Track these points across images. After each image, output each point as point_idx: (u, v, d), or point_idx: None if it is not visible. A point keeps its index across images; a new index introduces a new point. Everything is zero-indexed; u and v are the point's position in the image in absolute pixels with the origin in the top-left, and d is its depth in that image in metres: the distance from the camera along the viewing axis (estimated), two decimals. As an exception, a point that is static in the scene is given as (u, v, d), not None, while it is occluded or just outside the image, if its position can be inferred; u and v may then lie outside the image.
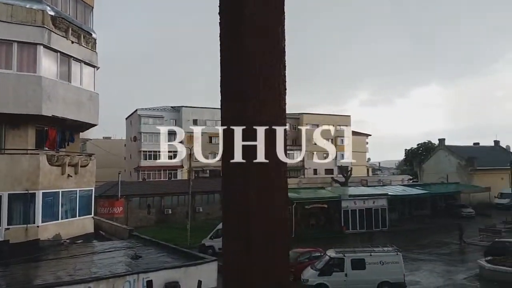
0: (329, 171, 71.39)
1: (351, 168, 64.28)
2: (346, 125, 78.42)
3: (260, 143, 1.44)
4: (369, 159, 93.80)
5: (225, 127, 1.49)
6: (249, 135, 1.43)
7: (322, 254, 22.05)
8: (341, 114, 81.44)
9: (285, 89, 1.52)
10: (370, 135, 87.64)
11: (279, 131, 1.51)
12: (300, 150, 72.90)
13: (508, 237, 26.62)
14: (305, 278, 19.90)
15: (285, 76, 1.52)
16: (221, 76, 1.51)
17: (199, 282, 10.80)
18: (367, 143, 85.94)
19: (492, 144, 63.58)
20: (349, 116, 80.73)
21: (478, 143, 65.93)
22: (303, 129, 74.08)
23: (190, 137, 62.91)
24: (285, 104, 1.53)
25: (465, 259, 26.41)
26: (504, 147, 61.70)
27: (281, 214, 1.50)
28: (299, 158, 72.22)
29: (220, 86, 1.51)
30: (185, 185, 36.59)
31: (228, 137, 1.48)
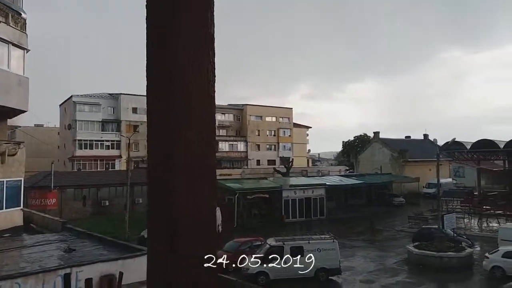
0: (271, 162, 72.54)
1: (293, 159, 65.87)
2: (288, 117, 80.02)
3: (187, 131, 1.40)
4: (309, 150, 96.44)
5: (150, 115, 1.44)
6: (175, 123, 1.39)
7: (262, 243, 22.44)
8: (284, 106, 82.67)
9: (214, 76, 1.49)
10: (310, 127, 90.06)
11: (208, 118, 1.47)
12: (244, 140, 73.41)
13: (433, 224, 28.71)
14: (245, 267, 20.18)
15: (214, 62, 1.49)
16: (146, 60, 1.45)
17: (120, 274, 10.50)
18: (307, 135, 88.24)
19: (422, 137, 68.15)
20: (291, 108, 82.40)
21: (409, 137, 70.36)
22: (247, 120, 74.48)
23: (129, 126, 61.00)
24: (214, 91, 1.49)
25: (395, 245, 28.15)
26: (432, 140, 66.30)
27: (208, 206, 1.46)
28: (243, 149, 72.71)
29: (146, 70, 1.45)
30: (123, 175, 35.41)
31: (153, 125, 1.43)
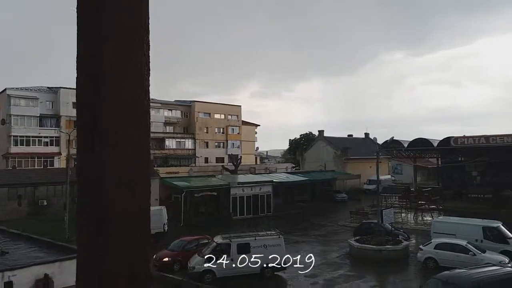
0: (220, 160, 72.27)
1: (241, 156, 66.09)
2: (237, 115, 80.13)
3: (119, 127, 1.36)
4: (257, 148, 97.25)
5: (80, 107, 1.39)
6: (106, 117, 1.34)
7: (209, 241, 22.33)
8: (233, 104, 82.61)
9: (149, 70, 1.46)
10: (259, 125, 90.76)
11: (141, 113, 1.44)
12: (192, 138, 72.50)
13: (373, 219, 30.09)
14: (191, 266, 19.99)
15: (148, 56, 1.46)
16: (77, 52, 1.40)
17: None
18: (256, 133, 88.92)
19: (363, 136, 71.16)
20: (240, 106, 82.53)
21: (351, 135, 73.14)
22: (195, 117, 73.61)
23: (69, 121, 57.95)
24: (148, 85, 1.46)
25: (338, 239, 29.20)
26: (372, 138, 69.41)
27: (141, 205, 1.43)
28: (190, 146, 71.78)
29: (76, 62, 1.40)
30: (63, 173, 33.63)
31: (83, 118, 1.38)
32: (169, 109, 72.67)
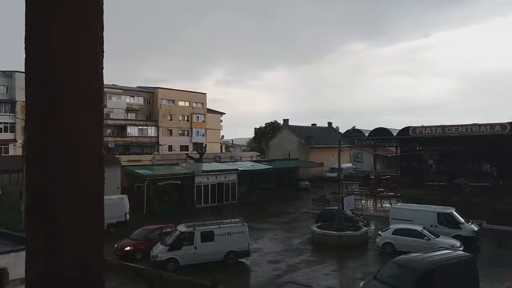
0: (184, 148, 71.51)
1: (206, 145, 65.69)
2: (202, 103, 79.33)
3: (68, 110, 1.30)
4: (223, 136, 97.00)
5: (28, 89, 1.32)
6: (55, 99, 1.29)
7: (173, 229, 22.20)
8: (197, 91, 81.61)
9: (103, 52, 1.42)
10: (224, 113, 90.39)
11: (95, 96, 1.39)
12: (155, 125, 71.20)
13: (335, 206, 30.87)
14: (154, 254, 19.83)
15: (102, 38, 1.42)
16: (25, 30, 1.32)
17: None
18: (221, 121, 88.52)
19: (326, 125, 72.50)
20: (205, 94, 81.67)
21: (315, 124, 74.30)
22: (159, 104, 72.21)
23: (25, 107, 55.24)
24: (102, 67, 1.41)
25: (300, 226, 29.80)
26: (335, 127, 70.80)
27: (93, 195, 1.38)
28: (153, 134, 70.52)
29: (24, 41, 1.33)
30: (18, 161, 32.16)
31: (31, 100, 1.31)
32: (131, 96, 70.87)
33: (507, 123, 39.66)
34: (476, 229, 23.61)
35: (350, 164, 60.72)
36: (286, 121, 66.30)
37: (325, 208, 31.82)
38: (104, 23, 1.42)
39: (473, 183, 37.13)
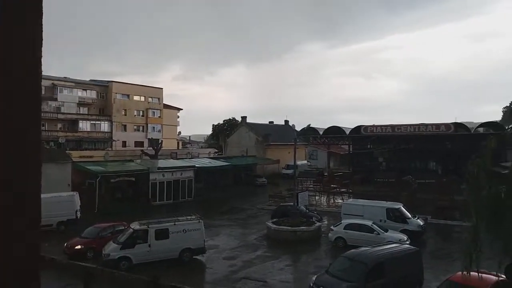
0: (139, 144, 69.78)
1: (162, 141, 64.50)
2: (158, 98, 77.76)
3: (3, 99, 1.25)
4: (179, 132, 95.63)
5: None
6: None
7: (126, 227, 21.70)
8: (154, 86, 79.85)
9: (42, 39, 1.37)
10: (181, 109, 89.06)
11: (32, 85, 1.34)
12: (108, 120, 68.96)
13: (290, 202, 31.42)
14: (106, 253, 19.29)
15: (41, 24, 1.37)
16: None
17: None
18: (178, 117, 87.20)
19: (283, 123, 73.47)
20: (162, 88, 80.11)
21: (272, 122, 75.07)
22: (113, 98, 69.95)
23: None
24: (40, 55, 1.37)
25: (257, 222, 30.10)
26: (291, 125, 71.88)
27: (29, 196, 1.32)
28: (107, 129, 68.31)
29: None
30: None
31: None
32: (83, 89, 68.16)
33: (451, 123, 42.10)
34: (422, 223, 24.90)
35: (306, 161, 61.95)
36: (244, 118, 66.48)
37: (281, 204, 32.32)
38: (45, 10, 1.37)
39: (420, 180, 39.09)
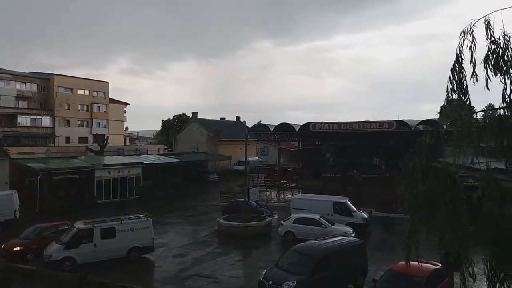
0: (83, 140, 66.90)
1: (108, 137, 62.23)
2: (104, 92, 74.88)
3: None
4: (127, 128, 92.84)
5: None
6: None
7: (69, 226, 20.78)
8: (99, 79, 76.71)
9: None
10: (129, 104, 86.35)
11: None
12: (50, 115, 65.45)
13: (241, 198, 31.56)
14: (48, 254, 18.36)
15: None
16: None
17: None
18: (125, 112, 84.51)
19: (235, 119, 73.55)
20: (107, 82, 77.19)
21: (224, 118, 74.95)
22: (55, 92, 66.38)
23: None
24: None
25: (208, 219, 29.92)
26: (242, 122, 72.13)
27: None
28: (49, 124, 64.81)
29: None
30: None
31: None
32: (22, 82, 64.15)
33: (394, 121, 44.22)
34: (366, 216, 26.01)
35: (257, 158, 62.49)
36: (195, 114, 65.77)
37: (232, 200, 32.39)
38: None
39: (365, 175, 40.75)
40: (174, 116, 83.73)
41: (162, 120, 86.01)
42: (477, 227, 5.39)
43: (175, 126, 76.72)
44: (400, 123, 44.24)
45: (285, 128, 50.06)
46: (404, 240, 5.76)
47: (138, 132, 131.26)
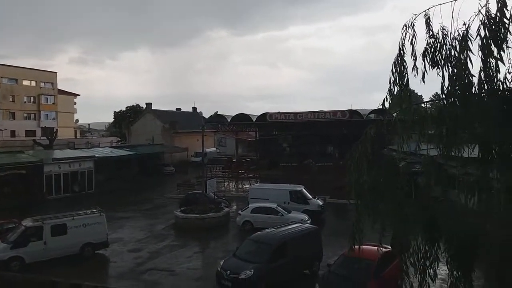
0: (31, 133, 63.55)
1: (57, 129, 59.51)
2: (52, 82, 71.30)
3: None
4: (77, 120, 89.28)
5: None
6: None
7: (16, 224, 19.77)
8: (46, 69, 72.84)
9: None
10: (79, 95, 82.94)
11: None
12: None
13: (198, 189, 31.32)
14: (-8, 254, 17.39)
15: None
16: None
17: None
18: (75, 103, 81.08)
19: (191, 110, 72.62)
20: (56, 73, 73.51)
21: (180, 109, 73.76)
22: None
23: None
24: None
25: (164, 212, 29.52)
26: (199, 112, 71.33)
27: None
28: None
29: None
30: None
31: None
32: (-41, 72, 59.70)
33: (347, 110, 45.50)
34: (321, 203, 26.74)
35: (214, 149, 62.16)
36: (149, 105, 64.26)
37: (189, 192, 32.12)
38: None
39: (319, 163, 41.77)
40: (127, 107, 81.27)
41: (115, 112, 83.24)
42: (414, 211, 5.67)
43: (129, 118, 74.54)
44: (353, 112, 45.59)
45: (242, 119, 50.12)
46: (352, 228, 5.98)
47: (89, 125, 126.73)
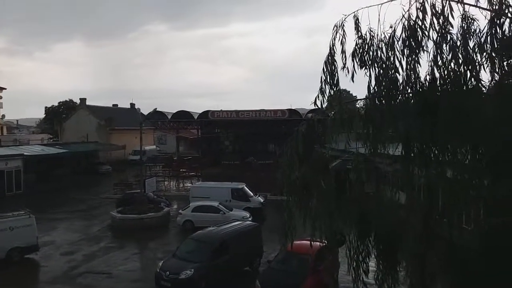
0: None
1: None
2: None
3: None
4: (3, 116, 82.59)
5: None
6: None
7: None
8: (-34, 60, 66.65)
9: None
10: (5, 88, 76.66)
11: None
12: None
13: (137, 189, 30.41)
14: None
15: None
16: None
17: None
18: (1, 97, 74.97)
19: (129, 106, 70.16)
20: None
21: (117, 105, 70.93)
22: None
23: None
24: None
25: (100, 213, 28.34)
26: (137, 109, 69.11)
27: None
28: None
29: None
30: None
31: None
32: None
33: (286, 109, 46.53)
34: (262, 200, 27.17)
35: (154, 147, 60.65)
36: (83, 100, 61.15)
37: (126, 192, 31.14)
38: None
39: (261, 161, 42.31)
40: (59, 103, 76.56)
41: (46, 107, 78.05)
42: (344, 207, 5.97)
43: (61, 114, 70.34)
44: (292, 111, 46.70)
45: (183, 116, 49.35)
46: (285, 225, 6.13)
47: (17, 121, 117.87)
